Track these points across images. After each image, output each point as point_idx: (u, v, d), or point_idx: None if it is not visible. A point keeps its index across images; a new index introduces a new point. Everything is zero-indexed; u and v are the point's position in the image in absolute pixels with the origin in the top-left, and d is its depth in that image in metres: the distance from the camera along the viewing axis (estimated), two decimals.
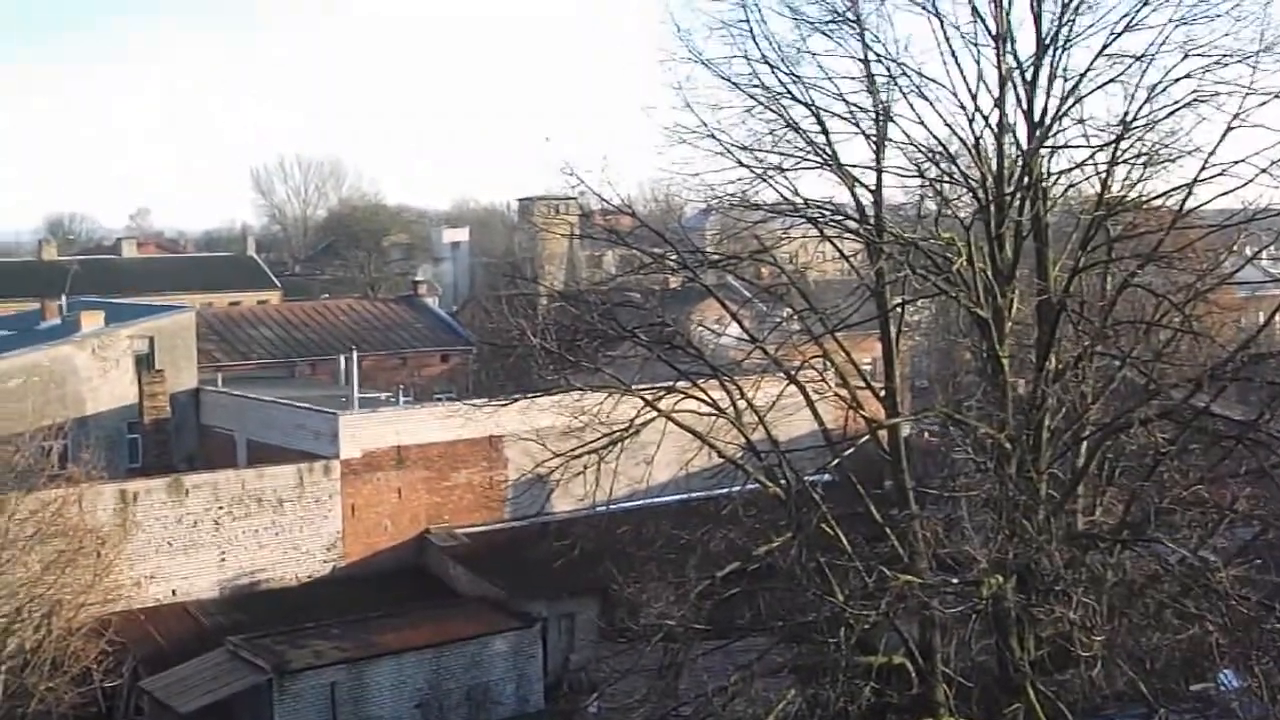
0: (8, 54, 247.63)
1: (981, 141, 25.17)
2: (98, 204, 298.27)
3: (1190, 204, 25.36)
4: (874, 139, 25.38)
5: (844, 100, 25.34)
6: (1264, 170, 23.25)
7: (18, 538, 33.45)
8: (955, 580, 23.72)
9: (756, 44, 25.17)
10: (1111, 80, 24.73)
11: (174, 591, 40.21)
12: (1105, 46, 24.55)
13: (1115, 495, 26.61)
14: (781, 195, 25.95)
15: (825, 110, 25.30)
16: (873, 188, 25.69)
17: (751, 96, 25.40)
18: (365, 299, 79.46)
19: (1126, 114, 24.63)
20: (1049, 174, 25.84)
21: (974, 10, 24.77)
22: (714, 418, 26.66)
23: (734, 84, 25.48)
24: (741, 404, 26.48)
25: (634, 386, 26.90)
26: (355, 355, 53.40)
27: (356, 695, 36.14)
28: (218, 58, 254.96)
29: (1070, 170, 26.16)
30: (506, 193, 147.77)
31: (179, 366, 51.95)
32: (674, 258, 27.98)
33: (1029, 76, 24.95)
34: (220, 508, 41.04)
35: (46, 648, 33.02)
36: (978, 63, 24.86)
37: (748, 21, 25.05)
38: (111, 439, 49.01)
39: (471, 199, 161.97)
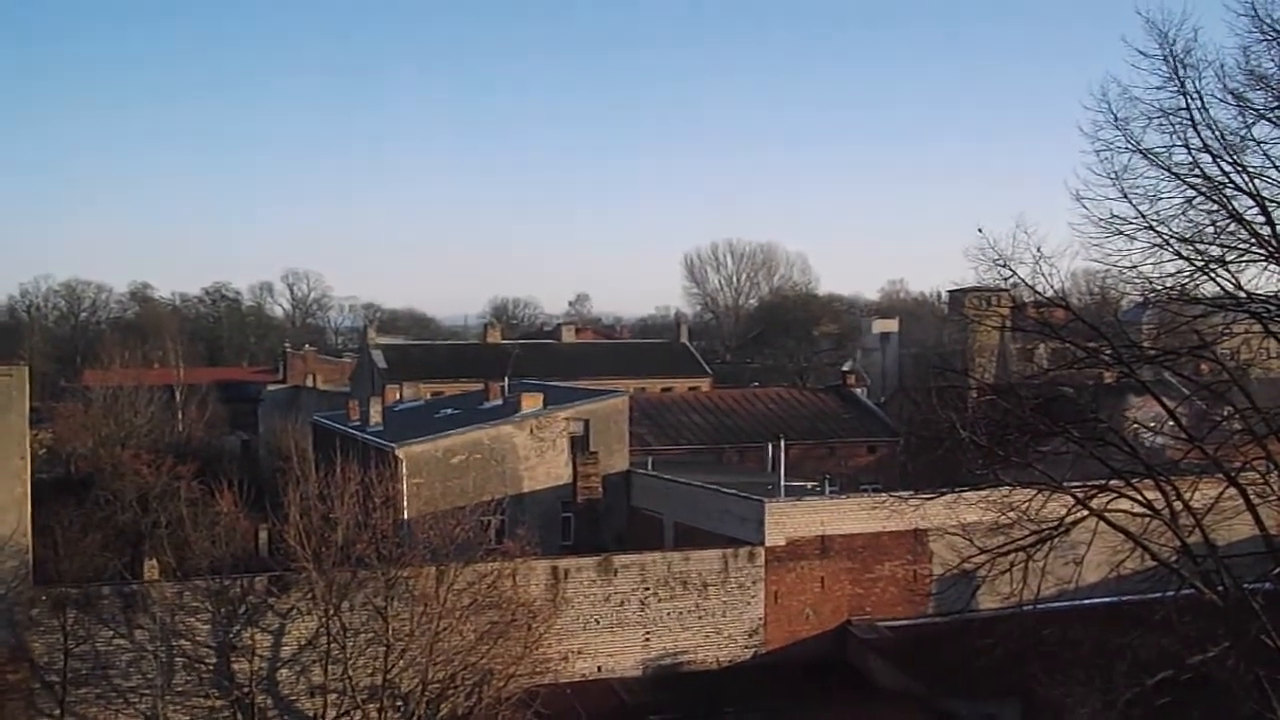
0: (465, 157, 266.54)
1: None
2: (540, 290, 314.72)
3: None
4: None
5: None
6: None
7: (455, 607, 36.12)
8: None
9: (1198, 132, 24.97)
10: None
11: (599, 668, 42.20)
12: None
13: None
14: (1223, 289, 25.58)
15: (1271, 201, 24.88)
16: None
17: (1192, 187, 25.23)
18: (794, 388, 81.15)
19: None
20: None
21: None
22: (1148, 519, 26.40)
23: (1174, 174, 25.37)
24: (1178, 505, 26.12)
25: (1065, 484, 26.96)
26: (782, 443, 54.77)
27: None
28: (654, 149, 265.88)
29: None
30: (937, 282, 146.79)
31: (611, 449, 54.78)
32: (1109, 352, 27.85)
33: None
34: (646, 588, 42.88)
35: (477, 715, 35.52)
36: None
37: (1188, 110, 24.90)
38: (546, 516, 52.16)
39: (901, 289, 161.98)
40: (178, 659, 36.84)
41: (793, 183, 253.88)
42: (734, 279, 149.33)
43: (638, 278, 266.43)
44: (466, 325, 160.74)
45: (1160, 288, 26.32)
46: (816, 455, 63.94)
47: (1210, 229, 25.35)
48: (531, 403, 55.63)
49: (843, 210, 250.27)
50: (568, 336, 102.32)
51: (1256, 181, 24.92)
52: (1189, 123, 24.95)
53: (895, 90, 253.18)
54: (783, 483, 50.85)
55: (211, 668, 36.95)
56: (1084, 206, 25.80)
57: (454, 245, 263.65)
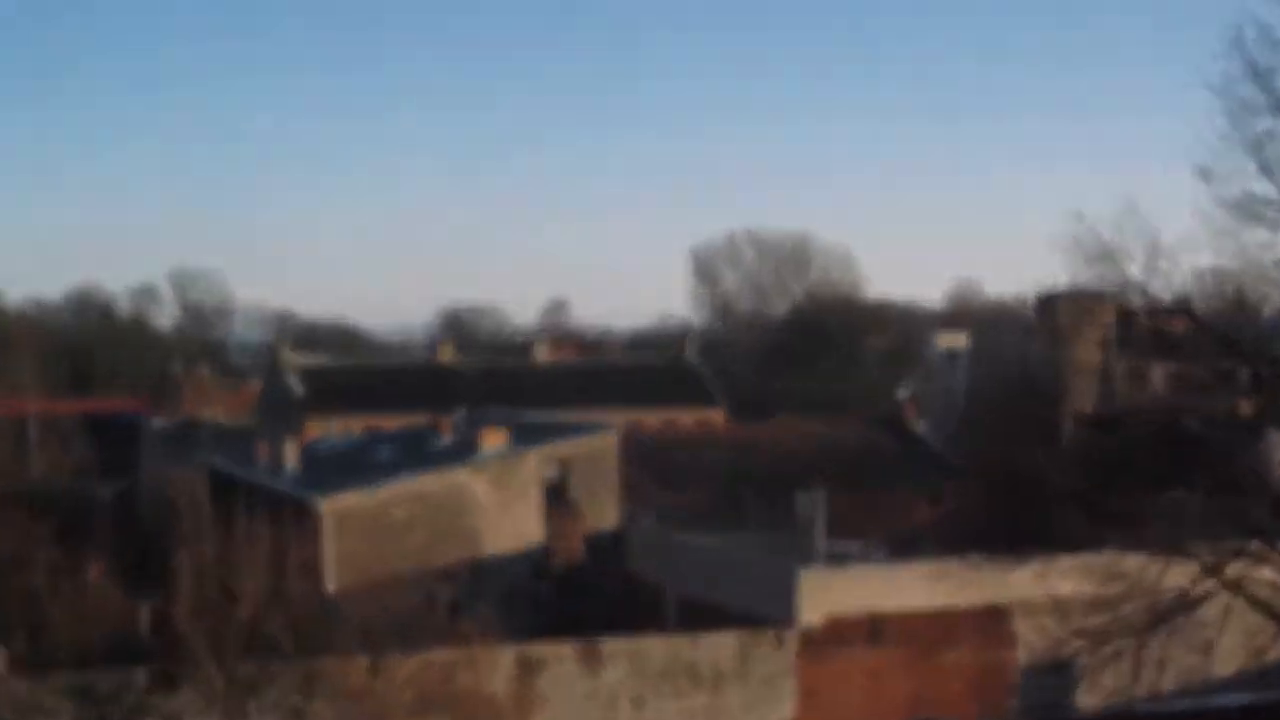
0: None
1: None
2: (506, 295, 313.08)
3: None
4: None
5: None
6: None
7: (395, 706, 36.14)
8: None
9: None
10: None
11: None
12: None
13: None
14: None
15: None
16: None
17: None
18: (835, 421, 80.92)
19: None
20: None
21: None
22: None
23: None
24: None
25: (1189, 546, 26.90)
26: (822, 493, 54.53)
27: None
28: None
29: None
30: (1020, 284, 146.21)
31: (598, 500, 54.74)
32: (1246, 373, 27.80)
33: None
34: (644, 682, 42.76)
35: None
36: None
37: None
38: (513, 588, 51.94)
39: (974, 292, 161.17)
40: None
41: (830, 157, 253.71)
42: (756, 279, 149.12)
43: (631, 279, 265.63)
44: (409, 340, 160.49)
45: None
46: (864, 508, 63.57)
47: None
48: (494, 441, 55.71)
49: (896, 191, 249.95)
50: (541, 354, 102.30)
51: None
52: None
53: (960, 39, 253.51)
54: (821, 544, 50.74)
55: None
56: (1212, 186, 25.66)
57: (392, 238, 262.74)
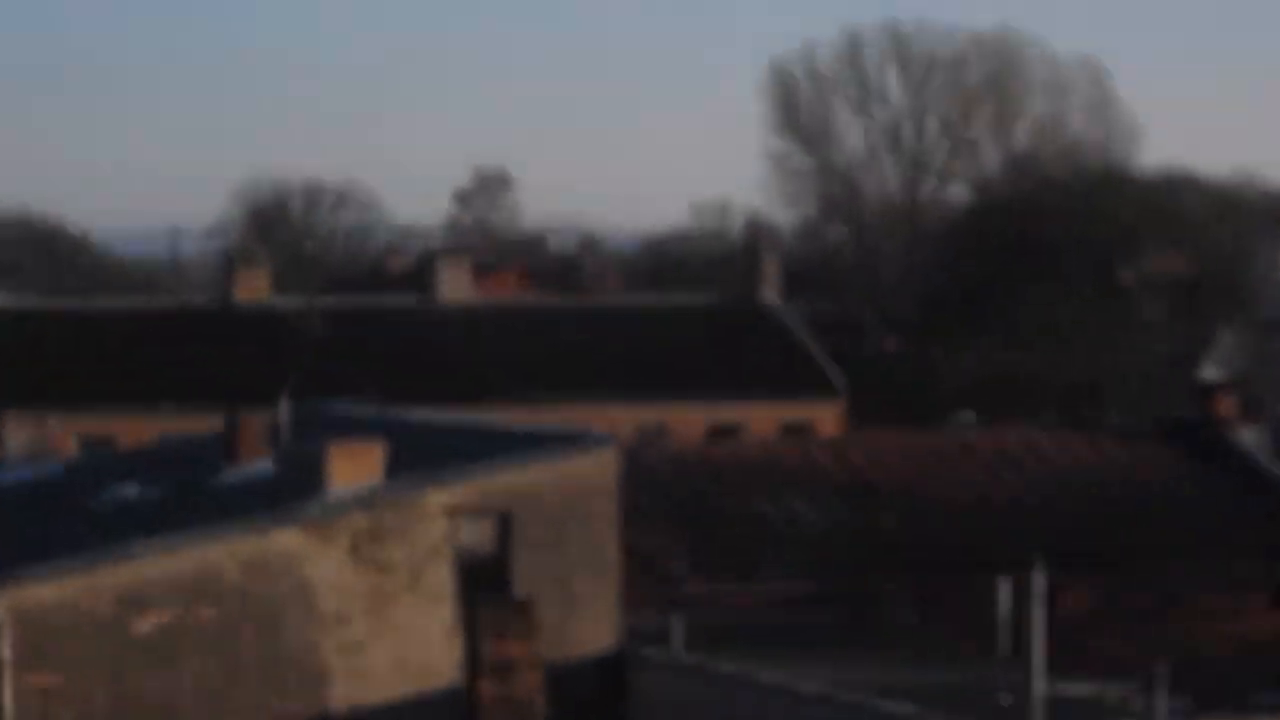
0: None
1: None
2: (380, 165, 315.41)
3: None
4: None
5: None
6: None
7: None
8: None
9: None
10: None
11: None
12: None
13: None
14: None
15: None
16: None
17: None
18: (1070, 428, 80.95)
19: None
20: None
21: None
22: None
23: None
24: None
25: None
26: (1041, 580, 54.26)
27: None
28: None
29: None
30: None
31: (574, 591, 54.97)
32: None
33: None
34: None
35: None
36: None
37: None
38: None
39: None
40: None
41: None
42: (904, 128, 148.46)
43: (642, 129, 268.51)
44: (178, 257, 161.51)
45: None
46: (1135, 610, 63.61)
47: None
48: (355, 467, 55.68)
49: None
50: (452, 286, 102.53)
51: None
52: None
53: None
54: (1041, 683, 50.73)
55: None
56: None
57: (149, 61, 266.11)
